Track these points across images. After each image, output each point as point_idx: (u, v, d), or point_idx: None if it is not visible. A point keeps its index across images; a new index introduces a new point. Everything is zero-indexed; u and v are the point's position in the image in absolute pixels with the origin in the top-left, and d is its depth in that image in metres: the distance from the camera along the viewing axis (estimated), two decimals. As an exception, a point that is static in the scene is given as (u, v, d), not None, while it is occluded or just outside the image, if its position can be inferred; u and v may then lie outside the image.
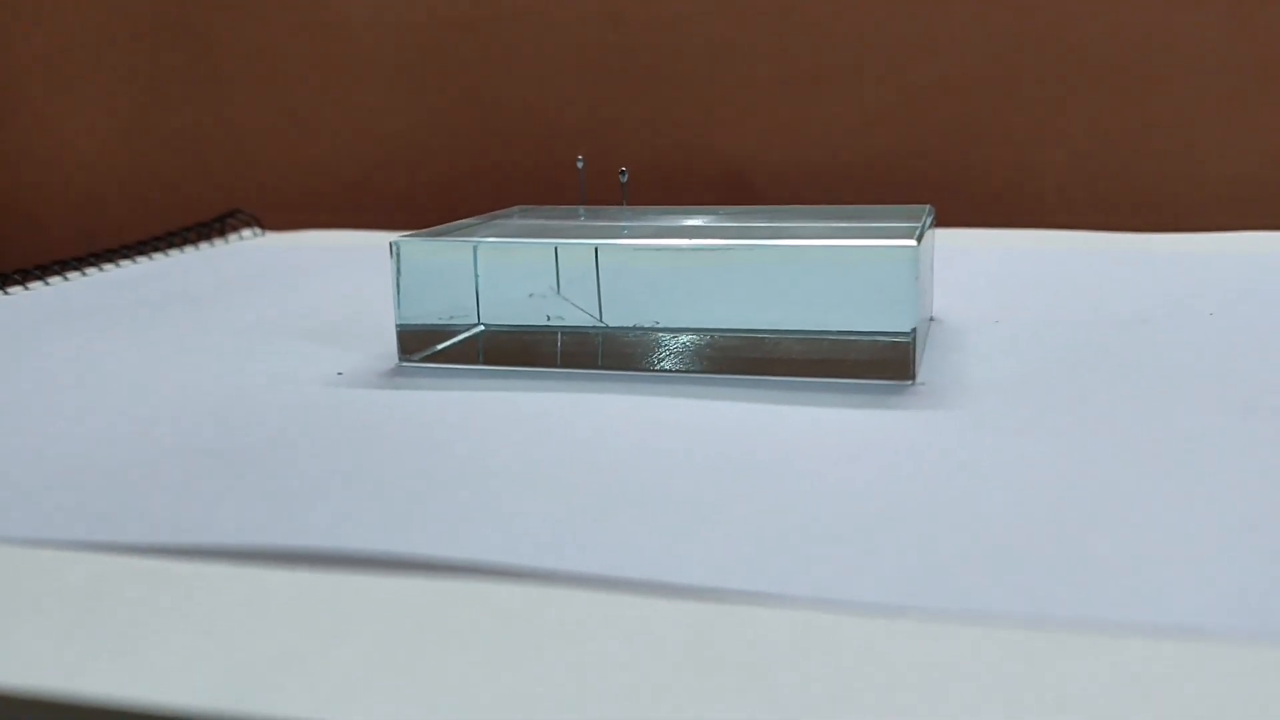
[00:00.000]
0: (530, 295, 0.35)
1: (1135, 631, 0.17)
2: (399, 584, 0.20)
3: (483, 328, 0.36)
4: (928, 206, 0.39)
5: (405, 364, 0.35)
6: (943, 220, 0.63)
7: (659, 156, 0.72)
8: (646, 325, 0.34)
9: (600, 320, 0.35)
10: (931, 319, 0.40)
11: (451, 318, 0.35)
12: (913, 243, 0.31)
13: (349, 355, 0.36)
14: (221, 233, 0.64)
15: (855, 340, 0.32)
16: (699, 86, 0.71)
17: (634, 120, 0.72)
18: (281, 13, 0.77)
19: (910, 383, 0.32)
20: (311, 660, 0.17)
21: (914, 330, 0.31)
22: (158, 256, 0.59)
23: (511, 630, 0.18)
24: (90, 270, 0.54)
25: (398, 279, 0.35)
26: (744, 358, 0.33)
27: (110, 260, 0.56)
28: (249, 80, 0.79)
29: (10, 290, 0.50)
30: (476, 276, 0.35)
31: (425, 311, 0.35)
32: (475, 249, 0.35)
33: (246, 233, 0.65)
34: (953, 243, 0.56)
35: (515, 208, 0.44)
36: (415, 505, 0.23)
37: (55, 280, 0.52)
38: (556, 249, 0.34)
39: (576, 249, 0.34)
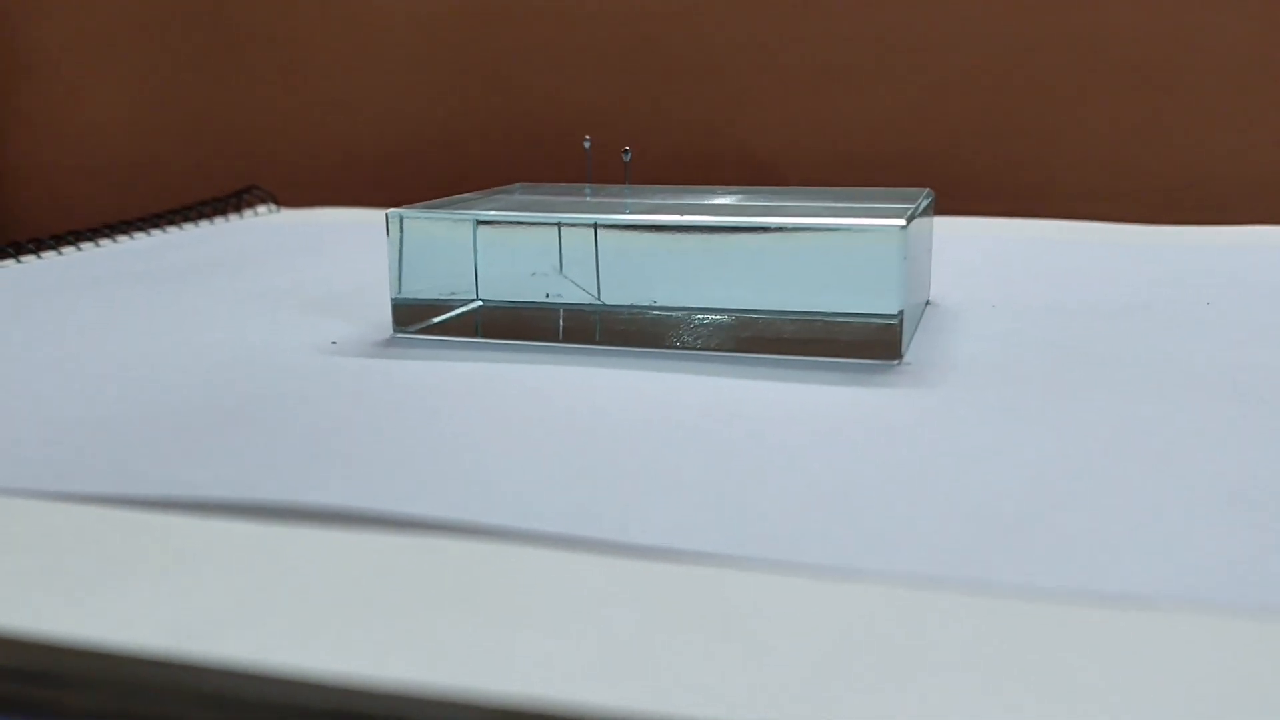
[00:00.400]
0: (533, 274, 0.36)
1: (1086, 600, 0.17)
2: (355, 538, 0.20)
3: (480, 303, 0.36)
4: (925, 190, 0.39)
5: (399, 336, 0.35)
6: (969, 212, 0.63)
7: (684, 148, 0.72)
8: (643, 304, 0.34)
9: (598, 298, 0.35)
10: (929, 302, 0.40)
11: (453, 294, 0.36)
12: (901, 223, 0.31)
13: (347, 327, 0.37)
14: (237, 208, 0.65)
15: (844, 320, 0.32)
16: (725, 79, 0.71)
17: (658, 111, 0.72)
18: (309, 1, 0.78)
19: (897, 362, 0.32)
20: (262, 606, 0.17)
21: (901, 311, 0.31)
22: (172, 230, 0.59)
23: (465, 584, 0.18)
24: (104, 241, 0.55)
25: (394, 251, 0.35)
26: (736, 336, 0.33)
27: (125, 232, 0.57)
28: (275, 61, 0.79)
29: (24, 259, 0.50)
30: (475, 252, 0.36)
31: (421, 285, 0.36)
32: (475, 224, 0.35)
33: (262, 209, 0.66)
34: (963, 230, 0.56)
35: (516, 184, 0.45)
36: (378, 463, 0.23)
37: (69, 250, 0.53)
38: (559, 226, 0.34)
39: (564, 225, 0.34)
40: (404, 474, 0.23)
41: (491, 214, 0.35)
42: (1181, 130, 0.65)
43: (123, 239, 0.56)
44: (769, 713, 0.14)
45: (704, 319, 0.34)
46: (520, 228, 0.35)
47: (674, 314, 0.34)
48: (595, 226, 0.34)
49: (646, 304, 0.34)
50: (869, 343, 0.32)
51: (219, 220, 0.63)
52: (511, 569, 0.19)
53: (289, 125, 0.80)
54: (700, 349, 0.33)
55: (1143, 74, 0.65)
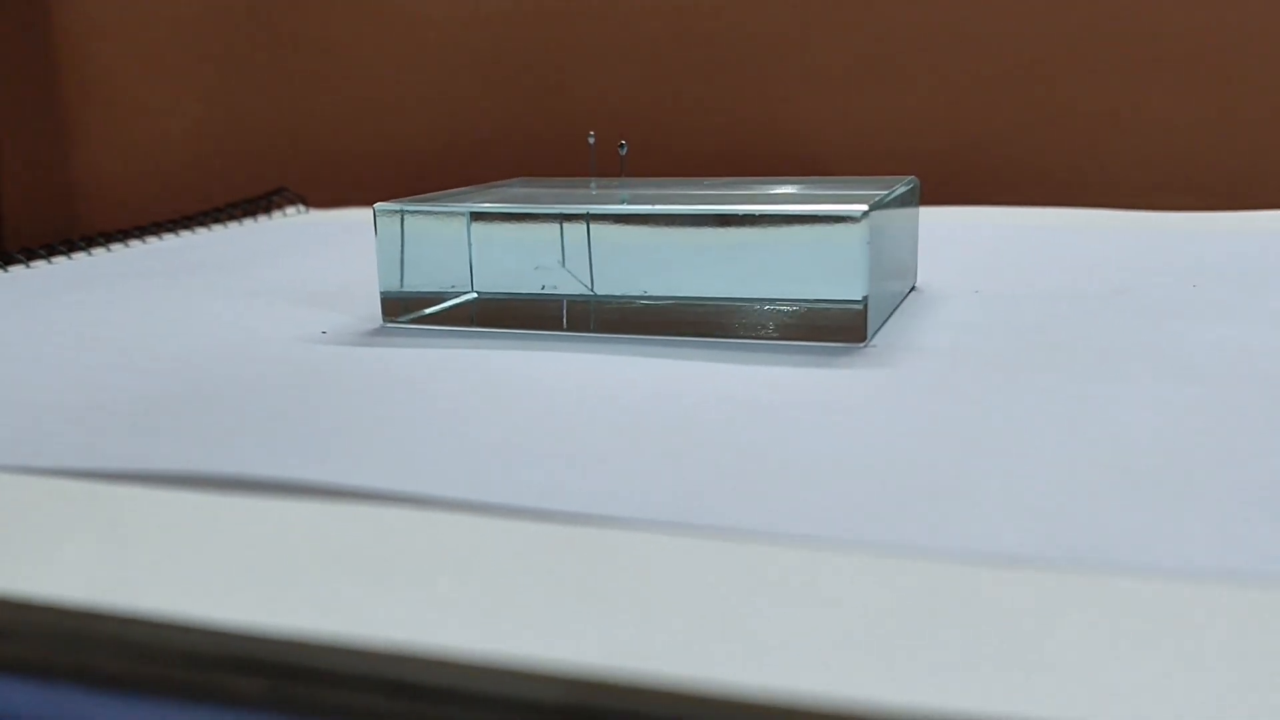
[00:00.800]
0: (536, 267, 0.37)
1: (969, 559, 0.18)
2: (302, 507, 0.21)
3: (475, 295, 0.37)
4: (907, 179, 0.40)
5: (389, 326, 0.37)
6: (1012, 201, 0.63)
7: (727, 142, 0.73)
8: (634, 294, 0.35)
9: (591, 289, 0.36)
10: (915, 287, 0.41)
11: (451, 286, 0.37)
12: (863, 209, 0.32)
13: (342, 317, 0.38)
14: (267, 209, 0.67)
15: (813, 305, 0.33)
16: (764, 72, 0.72)
17: (698, 107, 0.73)
18: (357, 6, 0.80)
19: (862, 345, 0.32)
20: (189, 565, 0.18)
21: (866, 296, 0.32)
22: (201, 230, 0.61)
23: (398, 550, 0.19)
24: (134, 242, 0.57)
25: (381, 245, 0.37)
26: (711, 322, 0.34)
27: (154, 233, 0.59)
28: (323, 69, 0.82)
29: (55, 260, 0.53)
30: (470, 245, 0.37)
31: (410, 278, 0.37)
32: (469, 217, 0.36)
33: (291, 209, 0.68)
34: (973, 219, 0.57)
35: (517, 178, 0.46)
36: (335, 438, 0.25)
37: (99, 251, 0.55)
38: (561, 221, 0.35)
39: (540, 218, 0.35)
40: (346, 446, 0.24)
41: (483, 206, 0.37)
42: (1239, 121, 0.64)
43: (152, 240, 0.58)
44: (656, 664, 0.15)
45: (682, 306, 0.35)
46: (510, 221, 0.36)
47: (658, 301, 0.35)
48: (560, 220, 0.35)
49: (636, 293, 0.35)
50: (835, 327, 0.33)
51: (248, 221, 0.65)
52: (416, 531, 0.20)
53: (337, 129, 0.82)
54: (678, 335, 0.34)
55: (1190, 61, 0.64)
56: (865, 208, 0.32)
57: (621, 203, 0.37)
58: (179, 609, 0.17)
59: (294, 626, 0.16)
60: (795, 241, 0.33)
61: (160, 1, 0.87)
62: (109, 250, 0.55)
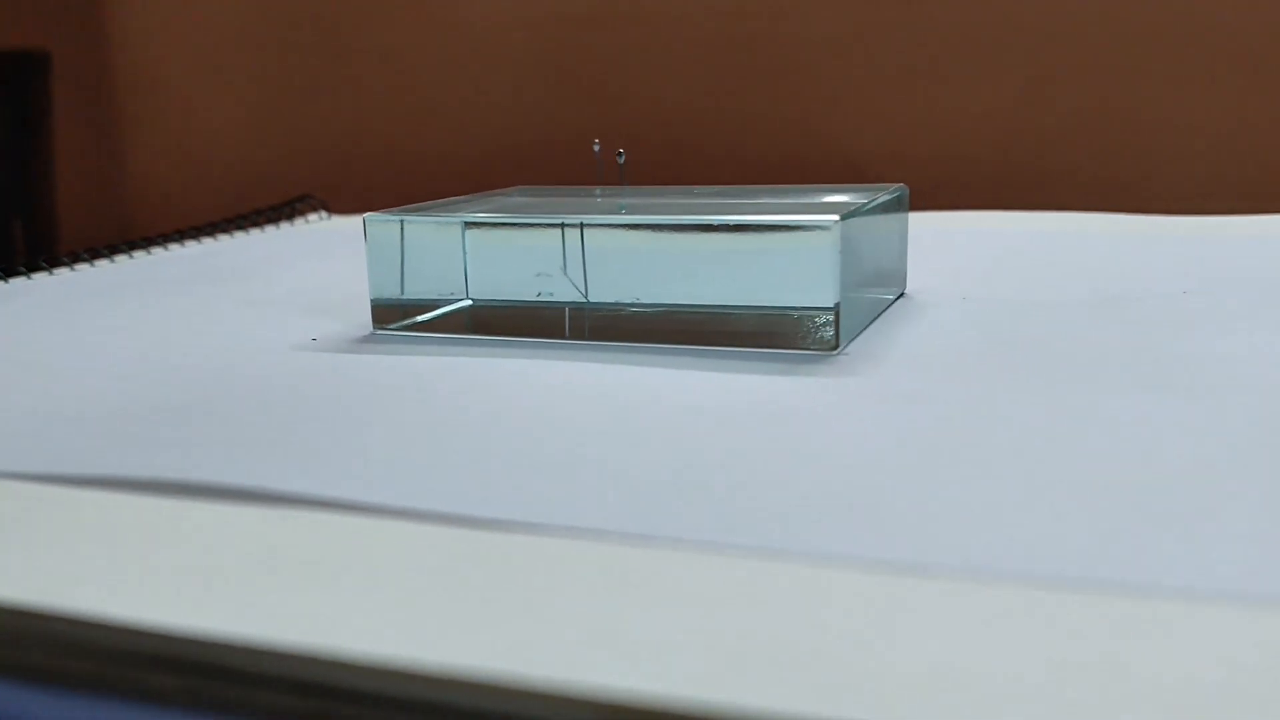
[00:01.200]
0: (537, 274, 0.38)
1: (934, 573, 0.18)
2: (233, 511, 0.22)
3: (470, 302, 0.38)
4: (894, 186, 0.40)
5: (379, 333, 0.38)
6: (1065, 206, 0.62)
7: (777, 148, 0.73)
8: (627, 301, 0.36)
9: (585, 296, 0.37)
10: (903, 294, 0.41)
11: (444, 294, 0.38)
12: (834, 219, 0.32)
13: (337, 325, 0.39)
14: (290, 216, 0.68)
15: (786, 313, 0.33)
16: (816, 77, 0.72)
17: (751, 112, 0.74)
18: (409, 9, 0.82)
19: (834, 353, 0.33)
20: (116, 566, 0.19)
21: (838, 304, 0.33)
22: (223, 237, 0.63)
23: (318, 554, 0.20)
24: (155, 250, 0.58)
25: (371, 254, 0.38)
26: (692, 330, 0.35)
27: (177, 240, 0.60)
28: (373, 74, 0.83)
29: (78, 267, 0.54)
30: (465, 253, 0.38)
31: (399, 286, 0.38)
32: (464, 226, 0.37)
33: (313, 216, 0.69)
34: (985, 224, 0.57)
35: (515, 187, 0.47)
36: (281, 443, 0.25)
37: (121, 258, 0.56)
38: (562, 228, 0.36)
39: (534, 226, 0.36)
40: (287, 451, 0.25)
41: (475, 216, 0.37)
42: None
43: (174, 247, 0.60)
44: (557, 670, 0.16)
45: (668, 314, 0.35)
46: (502, 229, 0.37)
47: (649, 310, 0.35)
48: (550, 228, 0.36)
49: (628, 301, 0.36)
50: (806, 335, 0.33)
51: (270, 228, 0.66)
52: (366, 539, 0.21)
53: (384, 135, 0.83)
54: (661, 342, 0.35)
55: (1254, 63, 0.64)
56: (837, 217, 0.32)
57: (620, 211, 0.38)
58: (101, 609, 0.18)
59: (209, 627, 0.17)
60: (769, 250, 0.33)
61: (211, 8, 0.89)
62: (131, 258, 0.57)
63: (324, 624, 0.17)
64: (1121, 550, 0.19)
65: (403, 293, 0.38)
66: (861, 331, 0.35)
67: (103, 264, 0.55)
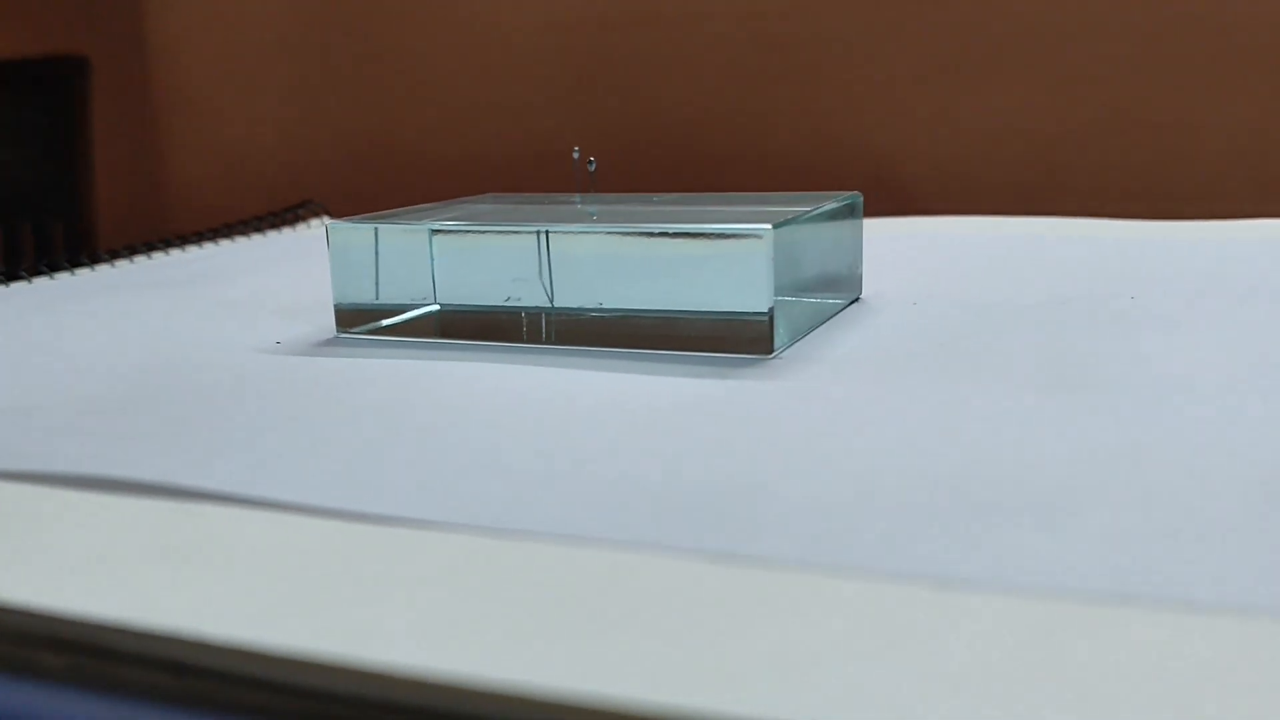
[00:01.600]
0: (514, 280, 0.39)
1: (816, 569, 0.20)
2: (137, 504, 0.23)
3: (437, 308, 0.39)
4: (847, 195, 0.41)
5: (343, 336, 0.39)
6: (1088, 207, 0.61)
7: (797, 150, 0.74)
8: (589, 306, 0.37)
9: (551, 301, 0.38)
10: (858, 299, 0.42)
11: (415, 299, 0.39)
12: (767, 227, 0.33)
13: (305, 328, 0.40)
14: (293, 221, 0.70)
15: (724, 318, 0.35)
16: (844, 77, 0.73)
17: (772, 113, 0.75)
18: (437, 17, 0.83)
19: (769, 357, 0.34)
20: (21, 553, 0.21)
21: (771, 309, 0.34)
22: (224, 242, 0.64)
23: (206, 544, 0.21)
24: (156, 254, 0.60)
25: (334, 259, 0.39)
26: (643, 334, 0.36)
27: (180, 245, 0.62)
28: (402, 80, 0.85)
29: (78, 271, 0.56)
30: (432, 259, 0.39)
31: (365, 291, 0.39)
32: (430, 233, 0.38)
33: (315, 221, 0.71)
34: (960, 230, 0.57)
35: (487, 194, 0.48)
36: (222, 443, 0.27)
37: (122, 262, 0.58)
38: (557, 235, 0.37)
39: (495, 233, 0.38)
40: (210, 448, 0.26)
41: (443, 222, 0.39)
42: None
43: (175, 251, 0.61)
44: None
45: (614, 319, 0.36)
46: (466, 235, 0.38)
47: (604, 314, 0.36)
48: (544, 233, 0.37)
49: (590, 306, 0.37)
50: (743, 339, 0.34)
51: (272, 233, 0.68)
52: (232, 527, 0.22)
53: (414, 138, 0.85)
54: (610, 346, 0.36)
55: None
56: (769, 225, 0.33)
57: (592, 218, 0.39)
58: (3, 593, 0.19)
59: (97, 611, 0.18)
60: (708, 257, 0.34)
61: (246, 16, 0.91)
62: (131, 262, 0.59)
63: (200, 609, 0.18)
64: (942, 544, 0.20)
65: (366, 297, 0.39)
66: (804, 336, 0.36)
67: (102, 268, 0.57)
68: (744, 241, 0.34)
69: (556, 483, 0.24)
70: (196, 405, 0.31)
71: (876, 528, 0.21)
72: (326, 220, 0.71)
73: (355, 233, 0.39)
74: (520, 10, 0.82)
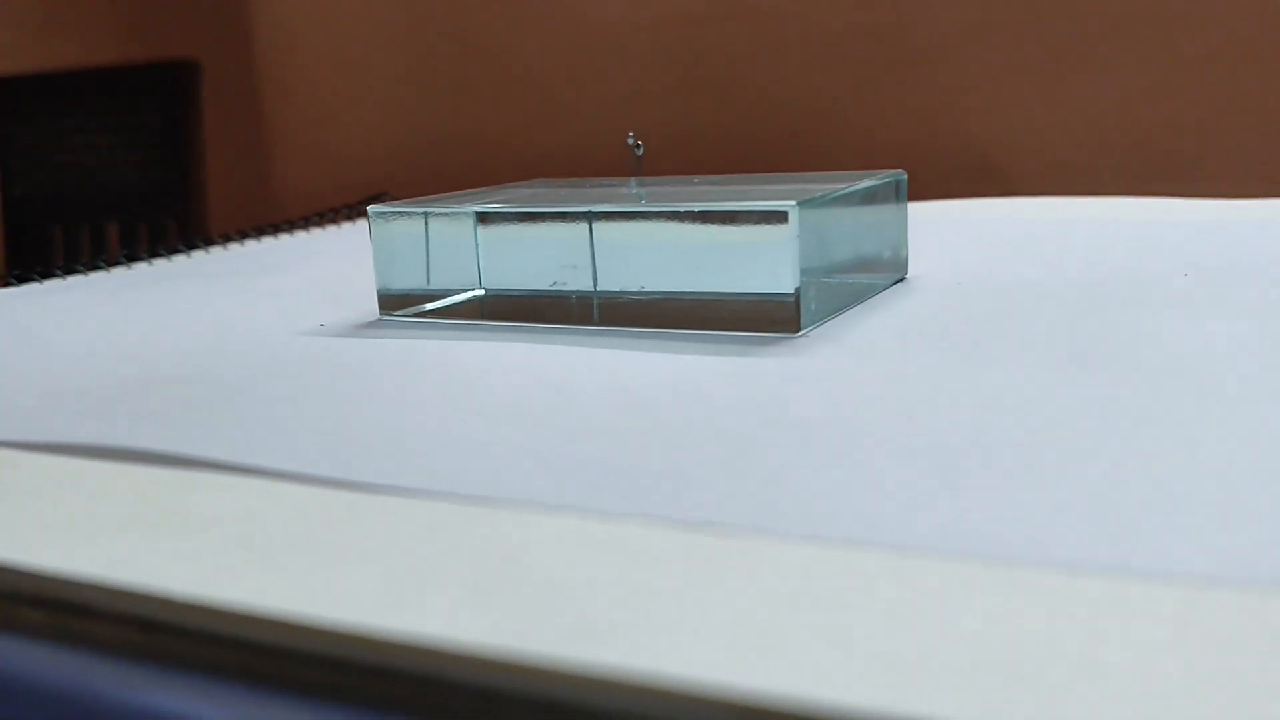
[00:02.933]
0: (563, 266, 0.39)
1: (805, 539, 0.20)
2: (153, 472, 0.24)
3: (482, 292, 0.40)
4: (893, 173, 0.40)
5: (386, 319, 0.40)
6: (1200, 192, 0.60)
7: (902, 139, 0.74)
8: (633, 290, 0.37)
9: (595, 286, 0.38)
10: (903, 279, 0.42)
11: (459, 283, 0.39)
12: (792, 205, 0.33)
13: (349, 313, 0.41)
14: (365, 214, 0.71)
15: (751, 297, 0.34)
16: (946, 66, 0.72)
17: (878, 104, 0.74)
18: (539, 13, 0.85)
19: (795, 335, 0.34)
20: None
21: (798, 289, 0.33)
22: (299, 233, 0.66)
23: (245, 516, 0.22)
24: (232, 244, 0.62)
25: (377, 246, 0.40)
26: (681, 315, 0.36)
27: (254, 236, 0.64)
28: (506, 78, 0.87)
29: (154, 261, 0.58)
30: (476, 243, 0.40)
31: (405, 277, 0.40)
32: (475, 217, 0.39)
33: (389, 212, 0.72)
34: (1024, 211, 0.56)
35: (538, 179, 0.48)
36: (228, 416, 0.28)
37: (197, 252, 0.60)
38: (598, 219, 0.38)
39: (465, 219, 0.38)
40: (230, 422, 0.27)
41: (486, 207, 0.39)
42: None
43: (250, 242, 0.63)
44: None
45: (654, 300, 0.36)
46: (513, 221, 0.38)
47: (648, 297, 0.36)
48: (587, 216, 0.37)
49: (634, 289, 0.37)
50: (770, 318, 0.34)
51: (345, 225, 0.69)
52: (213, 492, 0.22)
53: (518, 135, 0.87)
54: (652, 326, 0.36)
55: None
56: (794, 203, 0.33)
57: (639, 202, 0.39)
58: (-1, 554, 0.20)
59: (70, 569, 0.19)
60: (735, 235, 0.34)
61: (351, 17, 0.94)
62: (207, 252, 0.60)
63: (170, 571, 0.19)
64: (890, 509, 0.20)
65: (409, 280, 0.40)
66: (835, 315, 0.36)
67: (160, 261, 0.59)
68: (770, 219, 0.33)
69: (535, 456, 0.24)
70: (221, 383, 0.32)
71: (813, 488, 0.21)
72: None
73: (398, 217, 0.40)
74: (620, 7, 0.82)
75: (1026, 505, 0.20)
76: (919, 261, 0.43)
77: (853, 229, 0.37)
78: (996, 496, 0.20)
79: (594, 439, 0.25)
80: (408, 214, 0.40)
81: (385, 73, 0.92)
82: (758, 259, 0.34)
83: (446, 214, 0.39)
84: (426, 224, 0.39)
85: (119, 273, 0.55)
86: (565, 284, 0.38)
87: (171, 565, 0.19)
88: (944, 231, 0.51)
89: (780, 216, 0.33)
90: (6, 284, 0.53)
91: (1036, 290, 0.38)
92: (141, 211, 1.74)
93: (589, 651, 0.15)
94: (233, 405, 0.29)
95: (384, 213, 0.40)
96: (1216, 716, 0.13)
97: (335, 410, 0.28)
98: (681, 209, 0.35)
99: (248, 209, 1.03)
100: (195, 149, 1.74)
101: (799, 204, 0.33)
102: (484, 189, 0.46)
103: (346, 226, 0.69)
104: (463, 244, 0.39)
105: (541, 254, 0.38)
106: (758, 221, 0.34)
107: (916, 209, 0.47)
